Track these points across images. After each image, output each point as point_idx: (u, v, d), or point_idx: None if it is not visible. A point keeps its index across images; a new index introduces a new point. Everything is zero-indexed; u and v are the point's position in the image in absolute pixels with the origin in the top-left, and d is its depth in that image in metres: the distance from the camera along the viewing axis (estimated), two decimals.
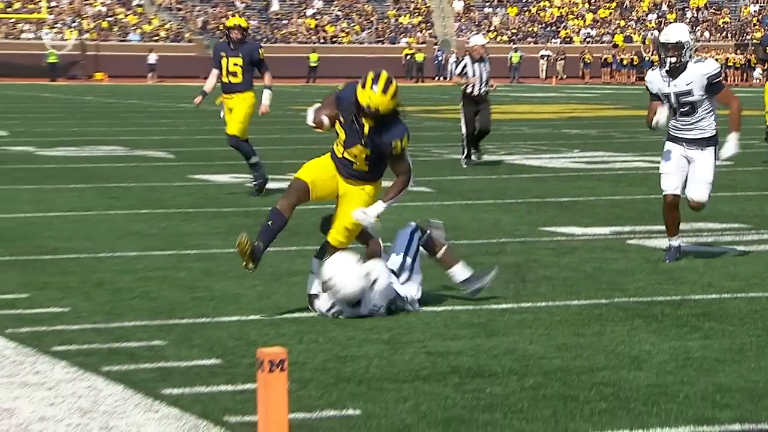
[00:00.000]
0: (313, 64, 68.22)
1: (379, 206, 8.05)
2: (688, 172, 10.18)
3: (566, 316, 8.18)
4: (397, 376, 6.59)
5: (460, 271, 8.55)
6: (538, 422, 5.75)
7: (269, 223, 7.97)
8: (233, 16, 16.06)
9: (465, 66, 18.99)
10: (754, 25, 79.20)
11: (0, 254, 10.63)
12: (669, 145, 10.25)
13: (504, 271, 9.90)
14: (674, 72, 10.03)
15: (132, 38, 73.61)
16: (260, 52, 15.04)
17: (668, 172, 10.22)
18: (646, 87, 10.33)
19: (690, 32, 10.26)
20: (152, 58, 67.38)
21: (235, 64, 14.84)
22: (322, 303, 8.04)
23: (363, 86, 7.83)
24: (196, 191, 15.70)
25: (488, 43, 20.00)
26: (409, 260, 8.33)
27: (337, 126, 8.06)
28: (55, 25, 72.55)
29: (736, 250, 10.95)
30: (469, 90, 18.92)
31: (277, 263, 9.71)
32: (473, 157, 19.23)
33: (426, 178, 17.18)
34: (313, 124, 8.14)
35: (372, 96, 7.81)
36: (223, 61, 14.91)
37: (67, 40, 67.76)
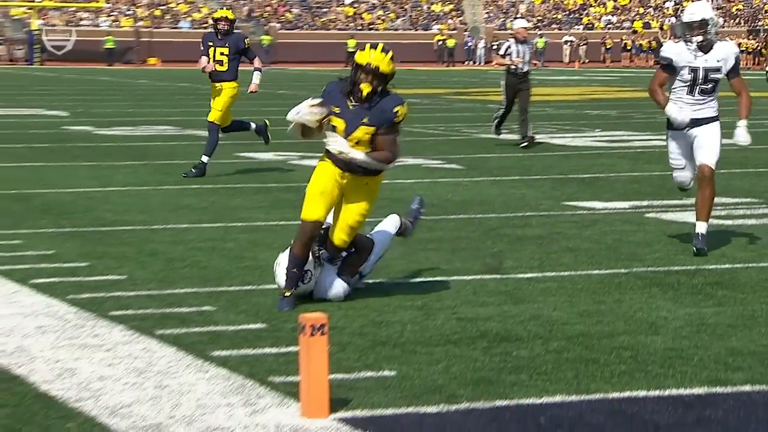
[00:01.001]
0: (351, 50, 67.98)
1: (347, 147, 7.38)
2: (694, 145, 9.37)
3: (588, 284, 8.16)
4: (429, 340, 6.59)
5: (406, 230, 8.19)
6: (561, 383, 5.75)
7: (294, 270, 7.43)
8: (220, 9, 15.89)
9: (509, 47, 18.83)
10: (766, 12, 78.47)
11: (62, 225, 10.69)
12: (672, 135, 9.47)
13: (529, 242, 9.89)
14: (703, 48, 9.26)
15: (182, 25, 73.73)
16: (246, 41, 14.91)
17: (680, 167, 9.54)
18: (665, 59, 9.36)
19: (713, 8, 9.55)
20: None
21: (222, 54, 14.69)
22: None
23: (361, 49, 7.55)
24: (242, 168, 15.75)
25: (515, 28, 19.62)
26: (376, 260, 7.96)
27: (335, 120, 7.46)
28: (112, 13, 72.74)
29: (748, 223, 10.89)
30: (513, 68, 18.73)
31: None
32: (495, 131, 19.06)
33: (457, 156, 17.16)
34: (315, 104, 7.45)
35: (373, 53, 7.44)
36: (211, 51, 14.76)
37: (68, 38, 67.60)
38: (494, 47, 72.43)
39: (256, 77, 15.09)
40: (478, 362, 6.12)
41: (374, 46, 7.54)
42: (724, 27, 74.36)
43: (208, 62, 14.74)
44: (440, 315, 7.20)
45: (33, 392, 5.63)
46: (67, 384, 5.76)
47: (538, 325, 6.96)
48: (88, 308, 7.38)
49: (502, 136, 19.13)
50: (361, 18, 77.47)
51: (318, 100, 7.52)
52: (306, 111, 7.45)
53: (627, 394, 5.58)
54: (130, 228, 10.61)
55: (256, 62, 15.00)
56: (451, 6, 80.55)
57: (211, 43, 14.80)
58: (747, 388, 5.70)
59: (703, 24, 9.22)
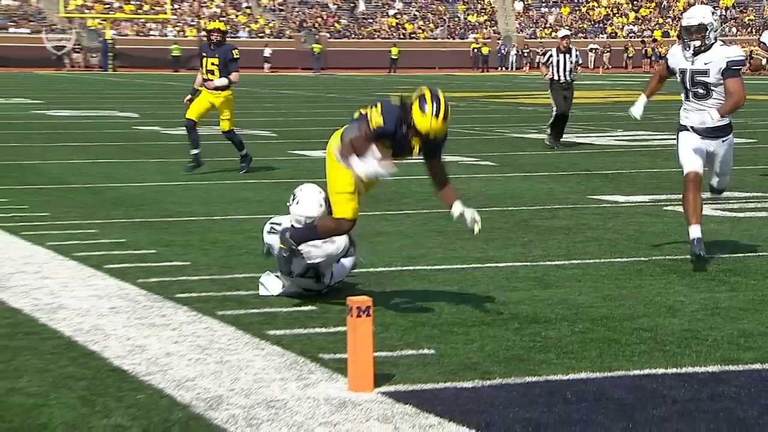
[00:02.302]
0: (394, 57, 68.11)
1: (461, 205, 6.71)
2: (709, 162, 8.40)
3: (611, 271, 8.12)
4: (465, 322, 6.58)
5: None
6: (585, 361, 5.73)
7: (305, 236, 6.83)
8: (212, 21, 15.58)
9: (550, 57, 18.47)
10: None
11: (132, 216, 10.77)
12: (684, 134, 8.37)
13: (557, 233, 9.85)
14: (699, 53, 8.23)
15: (241, 35, 73.93)
16: (233, 53, 14.54)
17: (687, 152, 8.29)
18: (665, 57, 8.62)
19: (713, 13, 8.30)
20: (267, 51, 67.52)
21: (213, 64, 14.45)
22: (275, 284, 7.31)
23: (423, 111, 6.29)
24: (295, 164, 15.79)
25: (556, 36, 18.88)
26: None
27: (385, 149, 6.48)
28: (178, 24, 73.07)
29: (759, 215, 10.79)
30: (556, 78, 18.21)
31: (362, 225, 9.71)
32: (548, 137, 18.31)
33: (490, 153, 17.11)
34: (387, 170, 6.35)
35: (434, 124, 6.29)
36: (204, 61, 14.57)
37: (68, 39, 67.73)
38: (525, 54, 72.38)
39: (220, 81, 14.43)
40: (510, 342, 6.11)
41: (437, 107, 6.30)
42: (737, 36, 73.66)
43: (190, 94, 14.69)
44: (475, 299, 7.19)
45: (107, 366, 5.68)
46: (137, 359, 5.80)
47: (565, 308, 6.93)
48: (156, 291, 7.42)
49: (545, 140, 18.41)
50: (404, 28, 77.39)
51: (388, 166, 6.35)
52: (383, 172, 6.35)
53: (646, 371, 5.55)
54: (193, 219, 10.66)
55: (233, 76, 14.45)
56: (486, 17, 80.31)
57: (204, 54, 14.59)
58: (757, 366, 5.66)
59: (701, 29, 8.17)
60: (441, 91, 6.43)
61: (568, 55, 18.24)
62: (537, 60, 70.43)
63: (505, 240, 9.42)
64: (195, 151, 14.46)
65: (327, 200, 7.00)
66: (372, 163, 6.29)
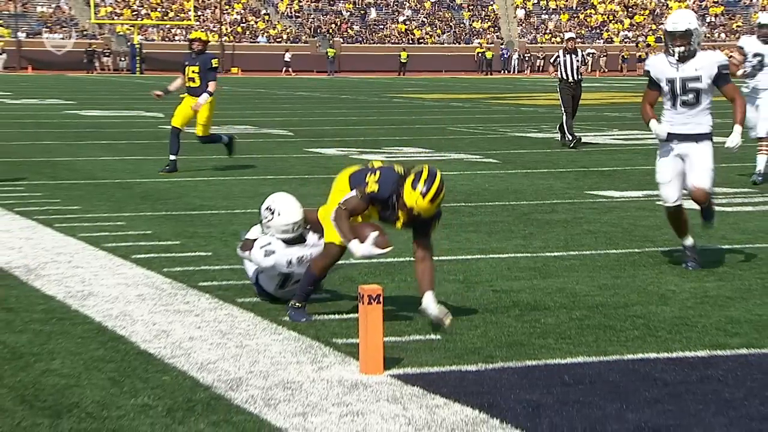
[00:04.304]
0: (403, 61, 68.09)
1: (432, 302, 6.06)
2: (686, 166, 7.78)
3: (606, 262, 8.11)
4: (469, 309, 6.58)
5: None
6: (582, 346, 5.72)
7: (310, 288, 6.30)
8: (196, 30, 15.53)
9: (557, 57, 18.34)
10: None
11: (158, 210, 10.78)
12: (663, 147, 7.84)
13: (556, 226, 9.83)
14: (684, 59, 7.67)
15: (260, 40, 73.96)
16: (212, 62, 14.39)
17: (666, 182, 7.83)
18: (647, 72, 7.85)
19: (698, 19, 7.76)
20: (288, 56, 67.50)
21: (193, 72, 14.34)
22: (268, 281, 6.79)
23: (413, 187, 5.93)
24: (311, 161, 15.79)
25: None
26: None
27: (374, 214, 6.22)
28: (201, 30, 73.14)
29: (745, 210, 10.77)
30: (564, 77, 18.03)
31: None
32: (569, 139, 17.78)
33: (493, 151, 17.09)
34: (387, 249, 6.04)
35: (419, 202, 5.92)
36: (186, 69, 14.43)
37: (68, 40, 67.65)
38: (526, 58, 72.26)
39: (203, 98, 14.29)
40: (511, 328, 6.11)
41: (428, 186, 5.92)
42: (725, 41, 73.35)
43: (162, 91, 14.74)
44: (479, 287, 7.19)
45: (134, 350, 5.69)
46: (162, 343, 5.82)
47: (563, 296, 6.93)
48: (180, 280, 7.44)
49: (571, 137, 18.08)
50: (412, 33, 77.32)
51: (385, 248, 6.04)
52: (377, 253, 6.04)
53: (640, 355, 5.55)
54: (215, 212, 10.67)
55: (211, 85, 14.28)
56: (490, 23, 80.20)
57: (186, 63, 14.48)
58: (743, 351, 5.65)
59: (687, 34, 7.60)
60: (440, 173, 6.03)
61: (574, 56, 18.10)
62: (538, 64, 70.47)
63: (507, 232, 9.42)
64: (173, 158, 14.29)
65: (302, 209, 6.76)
66: (367, 246, 5.96)
